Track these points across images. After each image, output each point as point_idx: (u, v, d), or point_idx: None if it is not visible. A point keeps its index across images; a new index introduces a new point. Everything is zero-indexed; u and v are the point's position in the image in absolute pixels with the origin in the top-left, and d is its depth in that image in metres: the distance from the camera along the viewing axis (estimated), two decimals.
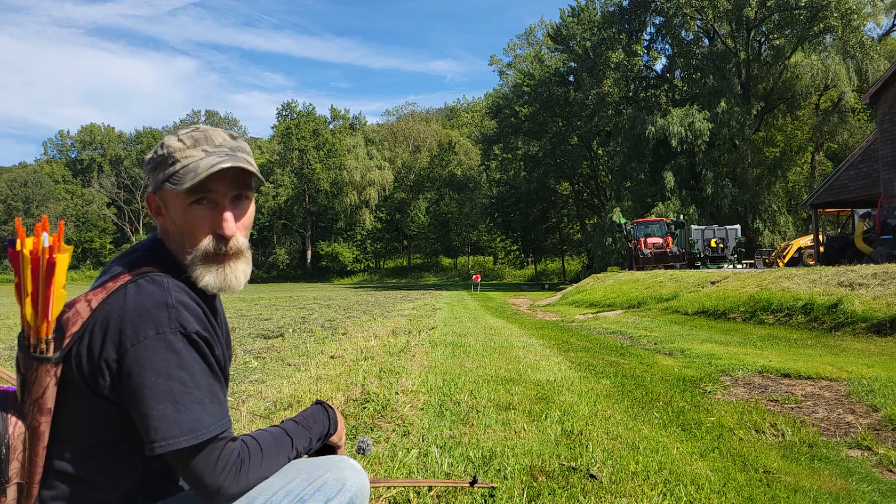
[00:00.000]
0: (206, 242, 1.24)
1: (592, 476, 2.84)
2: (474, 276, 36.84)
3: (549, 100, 44.32)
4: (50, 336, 1.14)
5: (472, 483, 1.75)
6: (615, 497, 2.62)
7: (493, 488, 1.65)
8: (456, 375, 5.42)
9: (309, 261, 73.23)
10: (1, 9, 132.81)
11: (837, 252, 19.91)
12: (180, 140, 1.24)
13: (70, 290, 1.20)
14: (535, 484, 2.73)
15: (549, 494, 2.62)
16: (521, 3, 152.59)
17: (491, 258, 67.23)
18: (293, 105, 77.69)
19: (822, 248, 21.37)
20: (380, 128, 78.05)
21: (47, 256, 1.12)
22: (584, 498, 2.59)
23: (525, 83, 45.95)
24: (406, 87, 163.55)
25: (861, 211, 20.02)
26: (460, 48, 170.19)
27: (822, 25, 32.11)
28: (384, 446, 3.21)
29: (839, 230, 25.76)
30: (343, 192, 66.47)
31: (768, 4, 33.42)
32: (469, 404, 4.25)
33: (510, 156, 51.62)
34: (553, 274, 55.06)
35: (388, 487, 2.51)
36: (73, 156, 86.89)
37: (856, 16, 31.52)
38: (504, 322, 13.10)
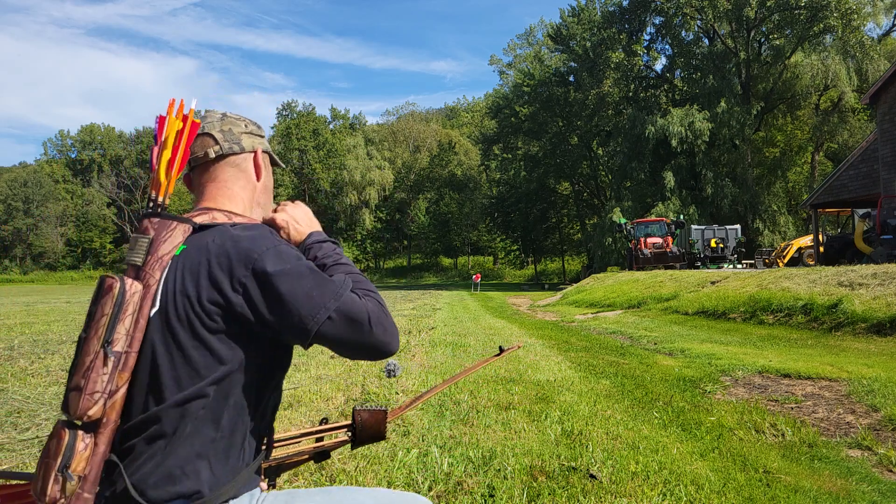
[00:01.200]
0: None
1: (592, 476, 2.83)
2: (474, 276, 36.82)
3: (549, 100, 44.30)
4: (168, 199, 1.29)
5: (500, 352, 1.92)
6: (615, 497, 2.62)
7: (519, 347, 1.81)
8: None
9: None
10: (1, 9, 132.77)
11: (837, 252, 19.90)
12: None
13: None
14: (535, 484, 2.73)
15: (549, 494, 2.62)
16: (521, 3, 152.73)
17: (491, 258, 67.20)
18: (293, 105, 77.75)
19: (822, 248, 21.36)
20: (380, 128, 78.03)
21: (192, 119, 1.35)
22: (584, 498, 2.59)
23: (525, 83, 45.92)
24: (406, 87, 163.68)
25: (861, 211, 20.00)
26: (460, 48, 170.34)
27: (822, 25, 32.09)
28: (384, 446, 3.21)
29: (839, 230, 25.73)
30: (343, 192, 66.44)
31: (768, 4, 33.41)
32: (469, 404, 4.25)
33: (510, 156, 51.61)
34: (553, 274, 55.04)
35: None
36: (73, 156, 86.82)
37: (856, 16, 31.50)
38: (504, 322, 13.11)
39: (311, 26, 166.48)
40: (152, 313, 1.17)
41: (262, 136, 1.48)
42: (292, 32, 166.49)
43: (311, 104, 78.07)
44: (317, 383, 5.02)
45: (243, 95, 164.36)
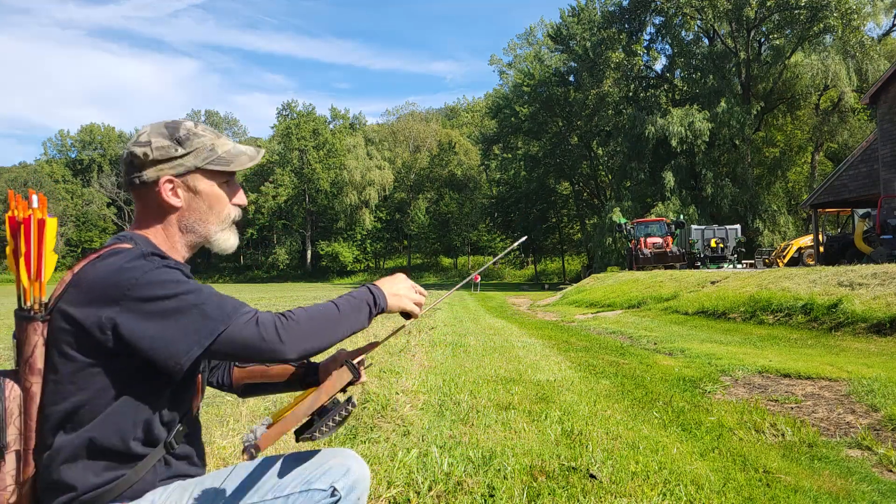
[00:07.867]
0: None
1: (592, 476, 2.83)
2: (474, 276, 36.83)
3: (549, 100, 44.28)
4: (43, 298, 1.21)
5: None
6: (615, 497, 2.62)
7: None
8: (456, 375, 5.42)
9: (309, 261, 73.18)
10: (4, 10, 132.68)
11: (837, 252, 19.88)
12: (205, 130, 1.37)
13: None
14: (535, 484, 2.72)
15: (549, 494, 2.62)
16: (522, 4, 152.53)
17: (491, 258, 67.18)
18: (293, 105, 77.61)
19: (822, 248, 21.35)
20: (380, 128, 77.94)
21: (38, 217, 1.21)
22: (584, 498, 2.59)
23: (525, 83, 45.90)
24: (406, 87, 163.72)
25: (861, 211, 19.98)
26: (461, 49, 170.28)
27: (822, 25, 32.08)
28: (384, 446, 3.20)
29: (839, 230, 25.71)
30: (343, 192, 66.40)
31: (768, 4, 33.40)
32: (469, 404, 4.25)
33: (510, 156, 51.59)
34: (553, 274, 55.02)
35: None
36: (72, 156, 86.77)
37: (856, 16, 31.48)
38: (504, 322, 13.11)
39: (312, 28, 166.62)
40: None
41: (206, 152, 1.34)
42: (293, 34, 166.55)
43: (311, 104, 77.97)
44: None
45: (244, 96, 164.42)
